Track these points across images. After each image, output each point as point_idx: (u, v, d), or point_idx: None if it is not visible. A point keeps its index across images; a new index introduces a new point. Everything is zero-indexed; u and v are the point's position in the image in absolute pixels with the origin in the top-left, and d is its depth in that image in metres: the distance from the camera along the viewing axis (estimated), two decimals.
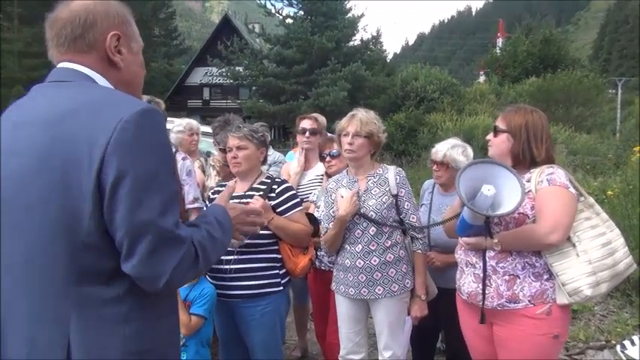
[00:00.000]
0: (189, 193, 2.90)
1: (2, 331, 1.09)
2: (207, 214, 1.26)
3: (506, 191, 1.95)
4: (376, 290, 2.43)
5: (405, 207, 2.50)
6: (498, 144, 2.14)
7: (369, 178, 2.53)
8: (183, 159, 2.97)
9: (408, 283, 2.48)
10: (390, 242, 2.45)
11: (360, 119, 2.51)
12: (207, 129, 4.52)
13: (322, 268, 2.95)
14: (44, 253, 1.06)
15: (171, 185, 1.08)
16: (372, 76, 19.85)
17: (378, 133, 2.53)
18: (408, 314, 2.54)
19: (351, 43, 21.55)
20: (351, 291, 2.48)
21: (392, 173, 2.52)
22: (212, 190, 2.74)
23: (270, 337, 2.48)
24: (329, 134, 4.15)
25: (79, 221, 1.03)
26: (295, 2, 20.91)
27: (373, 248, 2.43)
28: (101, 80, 1.20)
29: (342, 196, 2.44)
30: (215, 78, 38.25)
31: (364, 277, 2.44)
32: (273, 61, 20.47)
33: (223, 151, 3.08)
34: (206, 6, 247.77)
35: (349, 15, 22.06)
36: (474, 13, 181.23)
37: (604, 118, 23.28)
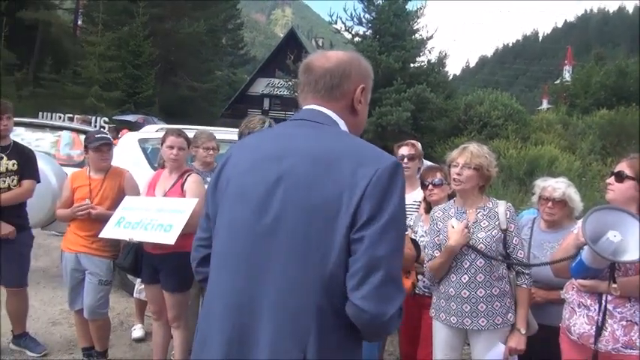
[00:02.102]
0: None
1: (248, 342, 1.22)
2: None
3: (630, 238, 1.98)
4: (479, 322, 2.49)
5: (514, 242, 2.55)
6: (624, 190, 2.17)
7: (478, 210, 2.60)
8: None
9: (510, 317, 2.52)
10: (496, 275, 2.50)
11: (471, 152, 2.60)
12: None
13: (416, 291, 3.03)
14: (300, 276, 1.19)
15: (405, 230, 1.22)
16: (436, 98, 19.76)
17: (488, 167, 2.60)
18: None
19: (417, 64, 21.54)
20: (453, 319, 2.54)
21: (502, 208, 2.58)
22: None
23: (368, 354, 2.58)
24: (429, 162, 4.27)
25: (330, 252, 1.17)
26: (365, 21, 21.21)
27: (480, 280, 2.49)
28: (342, 125, 1.37)
29: (453, 227, 2.52)
30: (277, 89, 39.36)
31: (468, 308, 2.50)
32: None
33: None
34: (271, 18, 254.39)
35: (416, 36, 22.10)
36: (540, 39, 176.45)
37: None
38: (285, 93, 37.67)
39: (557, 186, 2.85)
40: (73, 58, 27.20)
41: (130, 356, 3.90)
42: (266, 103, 41.51)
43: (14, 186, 3.49)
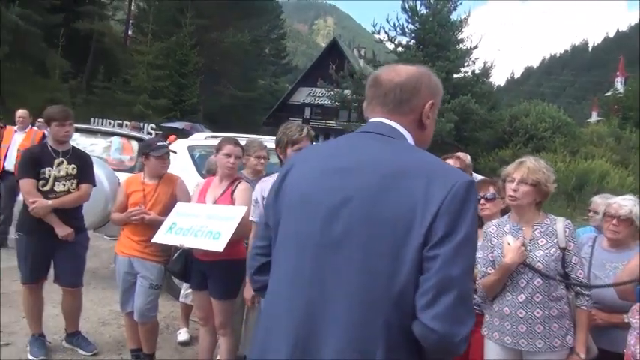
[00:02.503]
0: None
1: (312, 354, 1.20)
2: None
3: None
4: (536, 343, 2.39)
5: (573, 261, 2.45)
6: None
7: (535, 227, 2.51)
8: None
9: (569, 339, 2.41)
10: (555, 295, 2.41)
11: (528, 167, 2.51)
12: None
13: None
14: (368, 289, 1.17)
15: (476, 250, 1.18)
16: (480, 109, 19.40)
17: (546, 183, 2.51)
18: None
19: (461, 75, 21.25)
20: (507, 339, 2.46)
21: (561, 225, 2.48)
22: None
23: None
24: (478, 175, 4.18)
25: (401, 268, 1.15)
26: (408, 32, 21.10)
27: (537, 300, 2.40)
28: (409, 139, 1.34)
29: (509, 244, 2.45)
30: (318, 98, 39.59)
31: (524, 328, 2.41)
32: None
33: None
34: (313, 29, 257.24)
35: (461, 46, 21.81)
36: (590, 49, 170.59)
37: None
38: (326, 102, 37.88)
39: (623, 203, 2.72)
40: (123, 67, 28.29)
41: (175, 359, 3.97)
42: (307, 112, 41.81)
43: (73, 189, 3.63)
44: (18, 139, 6.54)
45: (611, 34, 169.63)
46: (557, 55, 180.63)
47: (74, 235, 3.60)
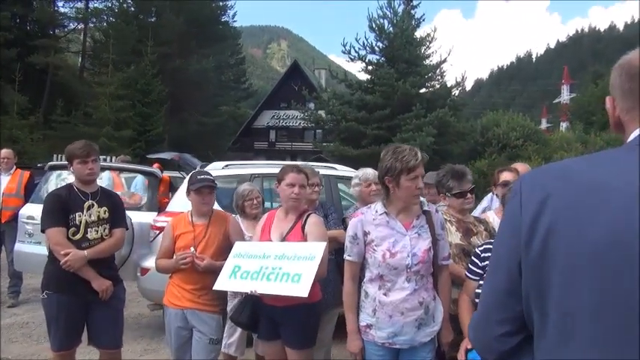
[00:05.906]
0: (445, 248, 2.67)
1: None
2: None
3: None
4: None
5: None
6: None
7: None
8: (437, 211, 2.74)
9: None
10: None
11: None
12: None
13: None
14: None
15: None
16: (457, 122, 19.63)
17: None
18: None
19: (433, 89, 21.54)
20: None
21: None
22: (481, 248, 2.53)
23: None
24: None
25: None
26: (377, 50, 21.23)
27: None
28: None
29: None
30: (282, 121, 39.44)
31: None
32: (354, 106, 20.60)
33: (459, 195, 2.93)
34: (267, 52, 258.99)
35: (428, 61, 22.18)
36: (534, 59, 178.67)
37: None
38: (291, 124, 37.75)
39: None
40: (82, 100, 27.26)
41: None
42: (272, 135, 41.51)
43: (106, 236, 3.14)
44: (3, 182, 5.90)
45: (552, 45, 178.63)
46: (504, 66, 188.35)
47: (112, 288, 3.09)
